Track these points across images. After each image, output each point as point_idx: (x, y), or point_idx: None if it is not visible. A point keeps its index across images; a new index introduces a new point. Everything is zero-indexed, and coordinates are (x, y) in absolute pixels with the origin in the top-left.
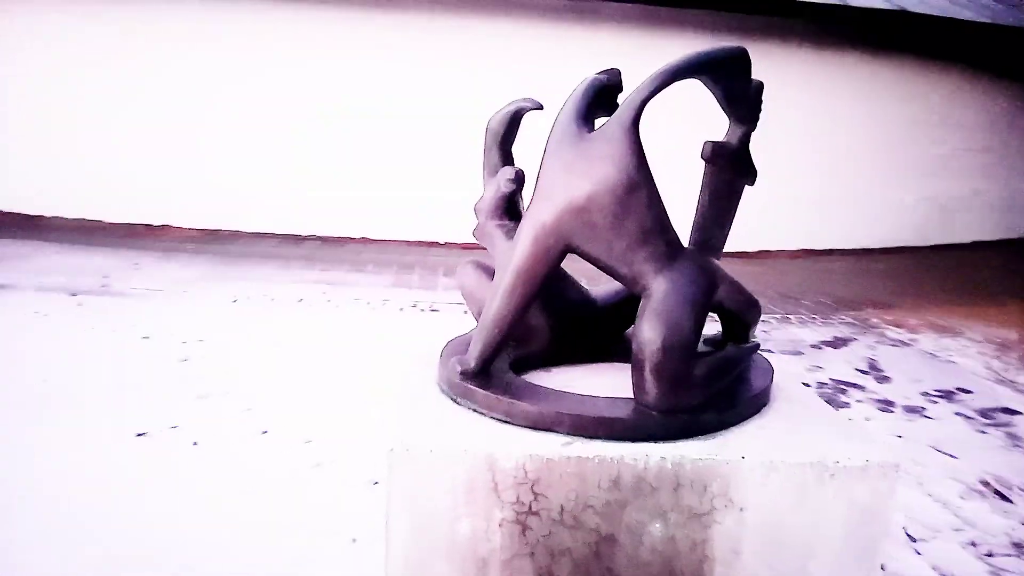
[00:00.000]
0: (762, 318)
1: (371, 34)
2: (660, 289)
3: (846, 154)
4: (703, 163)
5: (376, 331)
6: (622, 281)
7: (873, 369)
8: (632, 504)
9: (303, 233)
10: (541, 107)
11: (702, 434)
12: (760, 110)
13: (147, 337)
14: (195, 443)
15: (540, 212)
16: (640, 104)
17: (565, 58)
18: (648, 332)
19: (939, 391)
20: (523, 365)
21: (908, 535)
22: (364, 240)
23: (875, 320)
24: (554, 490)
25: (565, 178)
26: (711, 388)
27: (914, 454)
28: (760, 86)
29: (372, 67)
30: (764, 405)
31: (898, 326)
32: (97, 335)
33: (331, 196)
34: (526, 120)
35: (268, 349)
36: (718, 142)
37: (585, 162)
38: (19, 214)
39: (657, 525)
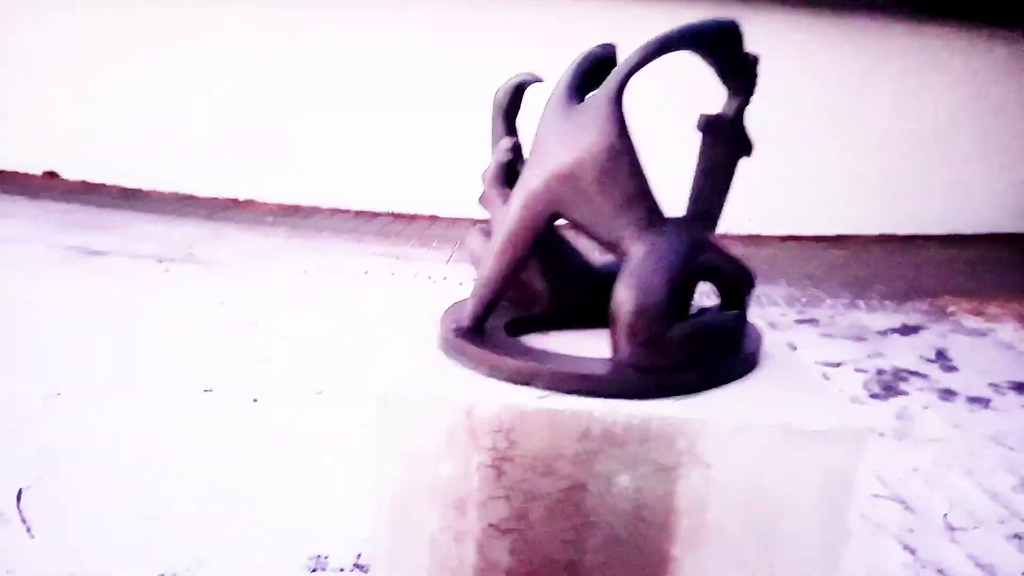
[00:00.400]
0: (829, 303)
1: (441, 17)
2: (638, 253)
3: (937, 135)
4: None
5: (433, 302)
6: (604, 246)
7: (940, 358)
8: (602, 455)
9: (377, 210)
10: (541, 80)
11: (678, 394)
12: (755, 83)
13: (222, 302)
14: (255, 400)
15: (530, 178)
16: (625, 76)
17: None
18: (623, 293)
19: (1010, 383)
20: (523, 327)
21: (948, 524)
22: (433, 217)
23: (952, 308)
24: (528, 439)
25: (554, 146)
26: (687, 350)
27: (970, 444)
28: (756, 59)
29: (447, 52)
30: (749, 371)
31: (977, 315)
32: (178, 299)
33: (404, 174)
34: (533, 93)
35: (331, 316)
36: (713, 114)
37: (573, 131)
38: (119, 187)
39: (626, 476)
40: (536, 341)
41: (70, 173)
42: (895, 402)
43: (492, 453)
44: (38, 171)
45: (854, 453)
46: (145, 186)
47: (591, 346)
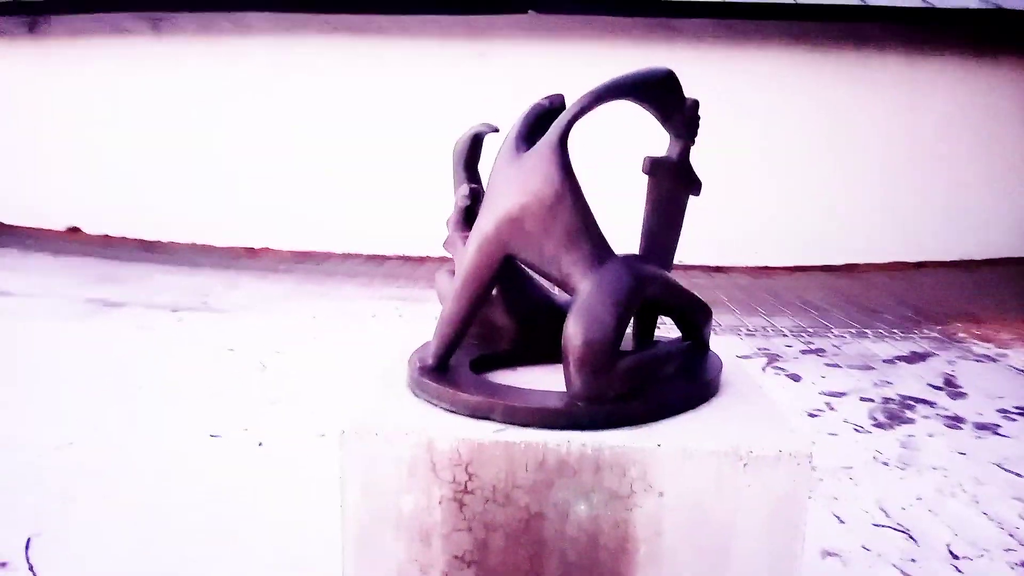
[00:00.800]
0: (836, 333)
1: (448, 66)
2: (586, 289)
3: (944, 160)
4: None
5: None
6: (555, 284)
7: (948, 385)
8: (557, 485)
9: (387, 253)
10: (497, 130)
11: (630, 423)
12: (697, 126)
13: (232, 349)
14: (260, 444)
15: (483, 223)
16: (566, 125)
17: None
18: (572, 328)
19: (1019, 408)
20: (489, 364)
21: (951, 552)
22: (443, 259)
23: (961, 334)
24: (486, 471)
25: (504, 191)
26: (636, 380)
27: (976, 471)
28: (695, 104)
29: (456, 101)
30: (706, 399)
31: (986, 341)
32: (190, 348)
33: (413, 218)
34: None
35: (336, 360)
36: (658, 157)
37: (520, 176)
38: (139, 240)
39: (581, 505)
40: (499, 377)
41: (92, 228)
42: (901, 430)
43: (453, 486)
44: (62, 227)
45: (803, 477)
46: (164, 238)
47: (553, 380)
